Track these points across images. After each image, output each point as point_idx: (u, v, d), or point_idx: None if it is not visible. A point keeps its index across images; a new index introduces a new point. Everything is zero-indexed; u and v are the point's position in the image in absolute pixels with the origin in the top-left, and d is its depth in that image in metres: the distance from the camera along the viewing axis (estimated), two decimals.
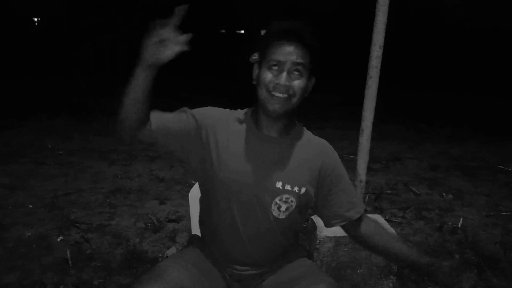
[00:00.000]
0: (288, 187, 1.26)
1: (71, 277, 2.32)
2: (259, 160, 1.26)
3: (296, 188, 1.27)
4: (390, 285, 2.20)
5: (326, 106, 8.05)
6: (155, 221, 3.02)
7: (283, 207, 1.27)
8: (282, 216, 1.28)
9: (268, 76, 1.20)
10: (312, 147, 1.34)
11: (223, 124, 1.29)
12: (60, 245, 2.65)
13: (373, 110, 2.05)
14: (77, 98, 7.75)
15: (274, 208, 1.26)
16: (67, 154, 4.59)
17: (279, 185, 1.25)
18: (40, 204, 3.27)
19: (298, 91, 1.21)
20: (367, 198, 3.58)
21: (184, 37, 1.09)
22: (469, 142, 5.91)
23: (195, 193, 1.62)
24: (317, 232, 2.14)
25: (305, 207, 1.34)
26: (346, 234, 2.10)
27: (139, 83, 1.12)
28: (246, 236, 1.28)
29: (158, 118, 1.23)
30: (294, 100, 1.22)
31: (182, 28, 1.10)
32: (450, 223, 3.19)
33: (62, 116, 6.42)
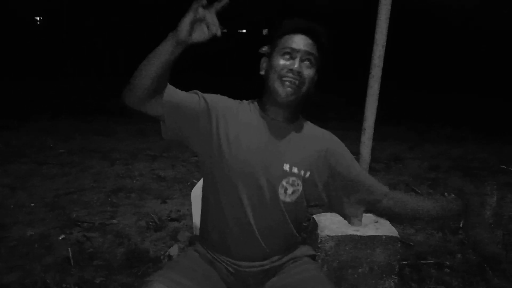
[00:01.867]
0: (295, 170, 1.28)
1: (73, 276, 2.32)
2: (267, 143, 1.28)
3: (302, 172, 1.29)
4: (392, 284, 2.20)
5: (327, 106, 8.04)
6: (156, 220, 3.02)
7: (290, 190, 1.29)
8: (288, 199, 1.29)
9: (281, 62, 1.25)
10: (317, 134, 1.38)
11: (232, 110, 1.31)
12: (62, 244, 2.65)
13: (375, 109, 2.05)
14: (77, 98, 7.76)
15: (281, 191, 1.28)
16: (68, 154, 4.59)
17: (286, 167, 1.28)
18: (42, 203, 3.27)
19: (308, 80, 1.26)
20: None
21: (219, 26, 1.10)
22: (469, 143, 5.91)
23: (197, 192, 1.61)
24: (318, 232, 2.14)
25: (311, 195, 1.35)
26: (347, 234, 2.12)
27: (164, 55, 1.12)
28: (256, 222, 1.27)
29: (170, 92, 1.24)
30: (304, 88, 1.26)
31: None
32: (451, 223, 3.19)
33: (63, 116, 6.42)
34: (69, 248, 2.58)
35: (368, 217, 2.29)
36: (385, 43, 1.98)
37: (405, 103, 8.94)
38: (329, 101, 8.52)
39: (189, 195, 1.72)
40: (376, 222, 2.26)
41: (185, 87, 1.31)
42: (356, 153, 2.14)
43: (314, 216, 2.31)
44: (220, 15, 1.10)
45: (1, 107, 6.69)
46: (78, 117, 6.41)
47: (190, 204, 1.72)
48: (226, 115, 1.29)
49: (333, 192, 1.36)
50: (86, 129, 5.76)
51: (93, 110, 6.87)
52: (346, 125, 6.13)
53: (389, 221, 2.21)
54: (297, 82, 1.24)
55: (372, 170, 4.28)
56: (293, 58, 1.25)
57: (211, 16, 1.08)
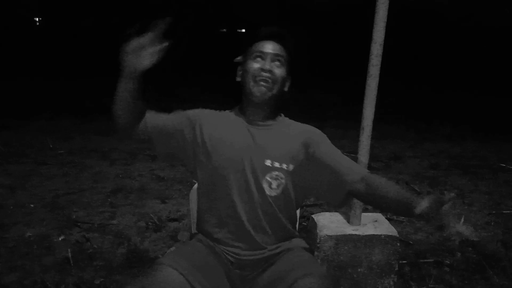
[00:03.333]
0: (276, 164, 1.36)
1: (72, 277, 2.32)
2: (248, 142, 1.38)
3: (284, 165, 1.37)
4: (391, 283, 2.20)
5: (326, 106, 8.05)
6: (156, 220, 3.02)
7: (274, 184, 1.37)
8: (274, 193, 1.37)
9: (253, 65, 1.38)
10: (296, 128, 1.46)
11: (213, 116, 1.45)
12: (61, 245, 2.66)
13: (373, 108, 2.05)
14: (77, 98, 7.76)
15: (266, 186, 1.36)
16: (68, 154, 4.59)
17: (268, 162, 1.36)
18: (41, 204, 3.27)
19: (279, 78, 1.38)
20: None
21: (160, 47, 1.19)
22: (468, 141, 5.90)
23: (195, 193, 1.62)
24: (317, 231, 2.14)
25: (298, 186, 1.40)
26: (346, 233, 2.12)
27: (122, 91, 1.26)
28: (247, 218, 1.36)
29: (152, 118, 1.39)
30: (276, 87, 1.38)
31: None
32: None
33: (63, 116, 6.42)
34: (69, 249, 2.58)
35: (367, 216, 2.29)
36: (383, 42, 1.97)
37: (405, 101, 8.93)
38: (328, 101, 8.53)
39: (188, 195, 1.72)
40: (375, 221, 2.26)
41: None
42: (356, 152, 2.14)
43: (313, 216, 2.31)
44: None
45: (1, 107, 6.69)
46: (77, 117, 6.41)
47: (189, 204, 1.72)
48: (208, 121, 1.42)
49: (318, 182, 1.41)
50: (85, 129, 5.76)
51: (92, 110, 6.86)
52: (345, 124, 6.14)
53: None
54: (269, 80, 1.36)
55: (371, 169, 4.29)
56: (263, 59, 1.38)
57: (146, 43, 1.18)
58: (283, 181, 1.37)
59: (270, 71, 1.36)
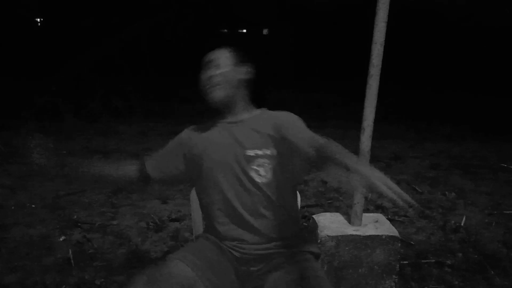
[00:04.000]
0: (258, 152, 1.42)
1: (73, 277, 2.32)
2: (230, 141, 1.47)
3: (266, 151, 1.42)
4: (392, 284, 2.20)
5: (326, 106, 8.05)
6: (157, 220, 3.02)
7: (262, 171, 1.41)
8: (265, 180, 1.41)
9: (202, 82, 1.51)
10: (270, 116, 1.52)
11: (199, 131, 1.56)
12: (62, 245, 2.66)
13: (374, 108, 2.04)
14: (78, 98, 7.76)
15: (254, 175, 1.41)
16: (69, 154, 4.59)
17: (249, 153, 1.42)
18: (42, 204, 3.28)
19: (219, 78, 1.47)
20: (369, 197, 3.57)
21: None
22: (469, 141, 5.90)
23: (196, 194, 1.63)
24: (318, 232, 2.14)
25: (285, 168, 1.44)
26: (347, 233, 2.12)
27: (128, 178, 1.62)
28: (244, 208, 1.42)
29: (153, 168, 1.58)
30: (222, 87, 1.47)
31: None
32: (452, 222, 3.18)
33: (64, 116, 6.42)
34: (69, 249, 2.59)
35: (368, 217, 2.29)
36: (383, 42, 1.97)
37: (405, 101, 8.93)
38: (329, 101, 8.53)
39: (189, 195, 1.72)
40: (376, 221, 2.26)
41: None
42: (356, 152, 2.14)
43: (314, 216, 2.31)
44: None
45: (1, 107, 6.69)
46: (79, 117, 6.41)
47: (190, 205, 1.72)
48: (195, 137, 1.55)
49: (297, 160, 1.45)
50: (87, 129, 5.76)
51: (94, 110, 6.87)
52: (345, 124, 6.15)
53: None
54: (213, 85, 1.47)
55: None
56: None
57: None
58: (269, 166, 1.41)
59: (210, 77, 1.47)
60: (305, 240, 1.53)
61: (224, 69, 1.49)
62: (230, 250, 1.44)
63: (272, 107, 1.57)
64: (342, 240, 2.11)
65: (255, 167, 1.42)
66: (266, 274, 1.38)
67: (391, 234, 2.13)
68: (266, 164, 1.41)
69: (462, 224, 3.14)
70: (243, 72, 1.52)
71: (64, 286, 2.25)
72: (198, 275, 1.31)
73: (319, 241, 2.11)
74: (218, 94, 1.47)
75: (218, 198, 1.46)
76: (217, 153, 1.47)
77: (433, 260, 2.63)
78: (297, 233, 1.52)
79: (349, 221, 2.22)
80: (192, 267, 1.33)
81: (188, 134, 1.58)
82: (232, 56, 1.51)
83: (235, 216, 1.43)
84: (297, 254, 1.42)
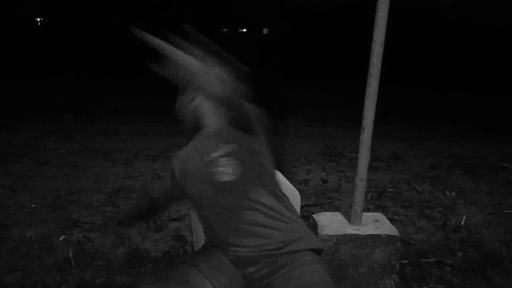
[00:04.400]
0: (219, 152, 1.39)
1: (73, 277, 2.32)
2: (194, 153, 1.48)
3: (225, 149, 1.40)
4: (392, 283, 2.20)
5: (326, 106, 8.05)
6: (157, 220, 3.02)
7: (228, 169, 1.38)
8: (233, 176, 1.37)
9: None
10: None
11: (184, 157, 1.54)
12: (62, 245, 2.66)
13: (374, 108, 2.04)
14: (78, 98, 7.77)
15: (222, 176, 1.38)
16: (69, 154, 4.60)
17: (210, 157, 1.40)
18: (42, 204, 3.28)
19: (177, 112, 1.54)
20: (369, 196, 3.58)
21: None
22: (469, 141, 5.90)
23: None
24: (318, 231, 2.14)
25: (250, 157, 1.41)
26: (347, 233, 2.12)
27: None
28: (232, 215, 1.37)
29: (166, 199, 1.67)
30: (182, 116, 1.54)
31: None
32: (453, 221, 3.19)
33: (64, 116, 6.42)
34: (70, 249, 2.59)
35: (368, 216, 2.29)
36: (383, 41, 1.97)
37: (404, 101, 8.93)
38: (329, 101, 8.53)
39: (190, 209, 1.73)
40: (376, 221, 2.25)
41: None
42: (357, 152, 2.14)
43: (313, 216, 2.31)
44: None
45: (1, 107, 6.70)
46: (79, 117, 6.41)
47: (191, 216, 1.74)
48: (180, 167, 1.53)
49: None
50: (87, 129, 5.77)
51: (94, 110, 6.88)
52: (346, 124, 6.15)
53: None
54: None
55: (373, 169, 4.30)
56: None
57: None
58: (233, 162, 1.38)
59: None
60: (302, 235, 1.42)
61: (181, 96, 1.53)
62: (227, 254, 1.40)
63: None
64: (342, 239, 2.11)
65: (220, 168, 1.39)
66: (268, 276, 1.33)
67: (391, 234, 2.13)
68: (230, 162, 1.39)
69: (462, 224, 3.14)
70: (195, 102, 1.53)
71: (64, 285, 2.25)
72: (207, 277, 1.30)
73: None
74: (181, 121, 1.54)
75: (205, 214, 1.45)
76: (192, 174, 1.46)
77: (433, 260, 2.63)
78: (291, 229, 1.41)
79: (349, 220, 2.22)
80: (201, 270, 1.31)
81: (177, 164, 1.57)
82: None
83: (223, 223, 1.40)
84: (295, 256, 1.35)
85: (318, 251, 1.44)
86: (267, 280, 1.34)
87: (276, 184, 1.48)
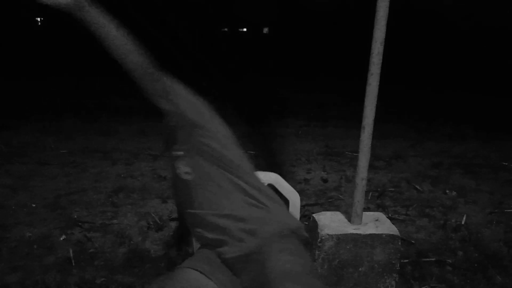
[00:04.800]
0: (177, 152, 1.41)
1: (74, 277, 2.32)
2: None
3: (176, 153, 1.42)
4: (392, 283, 2.20)
5: (326, 106, 8.04)
6: (157, 219, 3.02)
7: (187, 168, 1.38)
8: (194, 174, 1.38)
9: None
10: None
11: None
12: (63, 245, 2.66)
13: (374, 107, 2.04)
14: (78, 98, 7.76)
15: (184, 175, 1.39)
16: (69, 154, 4.60)
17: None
18: (43, 204, 3.28)
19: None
20: (370, 195, 3.57)
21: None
22: (469, 140, 5.89)
23: None
24: (318, 230, 2.14)
25: (203, 154, 1.40)
26: (347, 232, 2.11)
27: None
28: (203, 208, 1.38)
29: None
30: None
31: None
32: (453, 221, 3.18)
33: (64, 116, 6.42)
34: (70, 249, 2.59)
35: (368, 215, 2.29)
36: (383, 40, 1.97)
37: (404, 101, 8.93)
38: (329, 100, 8.52)
39: None
40: (377, 220, 2.25)
41: None
42: (357, 151, 2.14)
43: (314, 215, 2.30)
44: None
45: (1, 107, 6.70)
46: (79, 117, 6.41)
47: None
48: None
49: None
50: (87, 129, 5.76)
51: (94, 110, 6.87)
52: (346, 124, 6.14)
53: None
54: None
55: (373, 168, 4.30)
56: None
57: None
58: (186, 162, 1.39)
59: None
60: (282, 222, 1.41)
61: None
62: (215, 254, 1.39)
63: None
64: (342, 239, 2.11)
65: (181, 167, 1.40)
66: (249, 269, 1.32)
67: (391, 233, 2.13)
68: (185, 164, 1.39)
69: (463, 223, 3.14)
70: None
71: (64, 285, 2.25)
72: (211, 279, 1.29)
73: (319, 240, 2.11)
74: None
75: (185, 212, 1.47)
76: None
77: (434, 259, 2.63)
78: (270, 219, 1.38)
79: (350, 219, 2.22)
80: (204, 272, 1.30)
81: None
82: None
83: (199, 219, 1.40)
84: (281, 248, 1.32)
85: (305, 240, 1.45)
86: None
87: (237, 168, 1.41)
